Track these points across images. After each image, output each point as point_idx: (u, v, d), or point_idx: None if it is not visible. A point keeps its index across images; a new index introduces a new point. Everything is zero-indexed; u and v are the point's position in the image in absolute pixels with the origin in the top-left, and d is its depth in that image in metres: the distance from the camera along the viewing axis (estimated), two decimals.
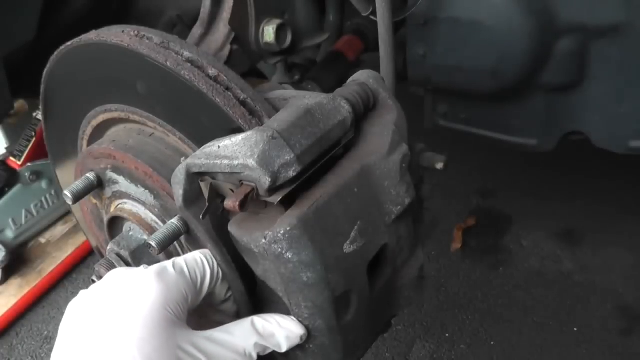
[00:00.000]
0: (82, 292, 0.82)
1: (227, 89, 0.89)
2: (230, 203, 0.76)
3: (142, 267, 0.83)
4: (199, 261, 0.84)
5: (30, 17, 1.30)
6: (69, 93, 1.08)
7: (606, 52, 1.22)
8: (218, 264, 0.86)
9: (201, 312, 0.88)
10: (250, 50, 1.18)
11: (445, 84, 1.41)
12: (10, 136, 2.25)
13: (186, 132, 0.93)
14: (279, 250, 0.76)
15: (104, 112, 1.02)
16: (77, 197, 1.01)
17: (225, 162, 0.77)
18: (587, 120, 1.32)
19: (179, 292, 0.79)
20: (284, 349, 0.83)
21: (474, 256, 2.21)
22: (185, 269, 0.82)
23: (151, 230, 0.98)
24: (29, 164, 2.22)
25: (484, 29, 1.25)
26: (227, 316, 0.91)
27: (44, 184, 2.28)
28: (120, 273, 0.82)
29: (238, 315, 0.91)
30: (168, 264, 0.82)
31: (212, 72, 0.90)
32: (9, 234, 2.21)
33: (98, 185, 1.03)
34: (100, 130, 1.06)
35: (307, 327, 0.84)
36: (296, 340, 0.83)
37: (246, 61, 1.17)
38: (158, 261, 0.99)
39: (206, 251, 0.86)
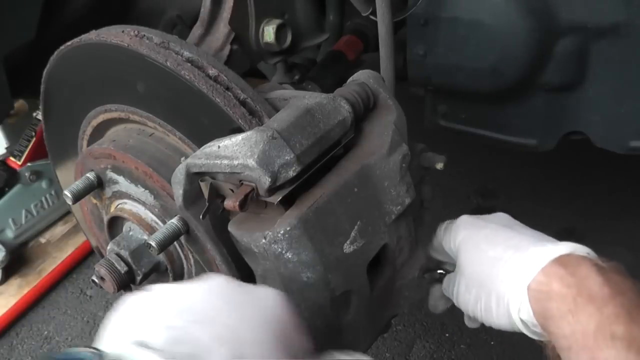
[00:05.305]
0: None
1: (227, 88, 0.89)
2: (230, 203, 0.76)
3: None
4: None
5: (30, 16, 1.30)
6: (69, 93, 1.08)
7: (606, 52, 1.22)
8: (217, 264, 0.86)
9: None
10: (250, 50, 1.18)
11: (445, 84, 1.41)
12: (10, 136, 2.24)
13: (186, 132, 0.93)
14: (279, 250, 0.76)
15: (104, 112, 1.02)
16: (77, 197, 1.01)
17: (225, 162, 0.77)
18: (587, 120, 1.32)
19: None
20: None
21: None
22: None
23: (151, 230, 0.98)
24: (29, 164, 2.21)
25: (484, 29, 1.25)
26: None
27: (44, 184, 2.27)
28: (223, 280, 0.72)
29: None
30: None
31: (212, 72, 0.90)
32: (9, 234, 2.21)
33: (98, 185, 1.03)
34: (100, 130, 1.06)
35: (307, 327, 0.84)
36: None
37: (246, 61, 1.17)
38: (158, 261, 1.00)
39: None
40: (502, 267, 0.86)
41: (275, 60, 1.25)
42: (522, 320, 0.85)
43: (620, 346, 0.71)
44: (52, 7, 1.34)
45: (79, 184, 1.02)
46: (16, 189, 2.22)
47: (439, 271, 1.04)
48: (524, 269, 0.83)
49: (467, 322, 1.05)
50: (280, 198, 0.77)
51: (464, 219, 0.98)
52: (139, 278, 0.99)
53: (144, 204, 0.99)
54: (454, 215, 1.03)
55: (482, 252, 0.90)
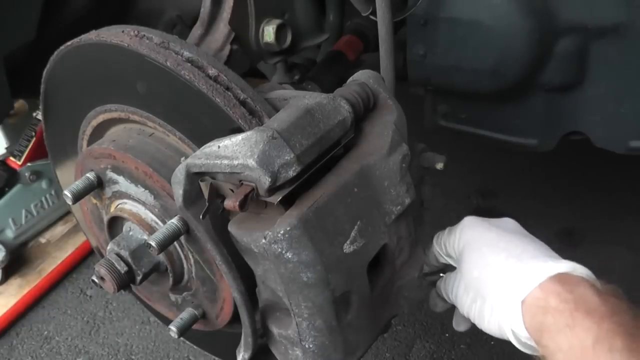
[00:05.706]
0: None
1: (227, 88, 0.89)
2: (230, 203, 0.76)
3: None
4: None
5: (31, 16, 1.30)
6: (69, 93, 1.08)
7: (606, 52, 1.22)
8: (217, 264, 0.86)
9: None
10: (250, 50, 1.18)
11: (445, 84, 1.41)
12: (10, 136, 2.24)
13: (186, 132, 0.93)
14: (279, 250, 0.76)
15: (104, 112, 1.02)
16: (77, 197, 1.01)
17: (225, 162, 0.77)
18: (587, 120, 1.32)
19: None
20: None
21: None
22: None
23: (151, 230, 0.98)
24: (29, 164, 2.21)
25: (484, 29, 1.25)
26: None
27: (44, 184, 2.27)
28: None
29: None
30: None
31: (212, 72, 0.90)
32: (9, 234, 2.21)
33: (98, 185, 1.03)
34: (100, 130, 1.06)
35: (306, 327, 0.84)
36: None
37: (246, 61, 1.17)
38: (158, 261, 1.00)
39: None
40: (501, 276, 0.86)
41: (275, 60, 1.26)
42: (513, 332, 0.85)
43: (620, 358, 0.71)
44: (52, 8, 1.34)
45: (79, 184, 1.02)
46: (16, 189, 2.22)
47: (441, 275, 1.04)
48: (521, 283, 0.83)
49: (455, 324, 1.05)
50: (280, 198, 0.77)
51: (470, 219, 0.98)
52: (139, 278, 0.99)
53: (144, 204, 0.99)
54: (454, 215, 1.03)
55: (484, 257, 0.90)
